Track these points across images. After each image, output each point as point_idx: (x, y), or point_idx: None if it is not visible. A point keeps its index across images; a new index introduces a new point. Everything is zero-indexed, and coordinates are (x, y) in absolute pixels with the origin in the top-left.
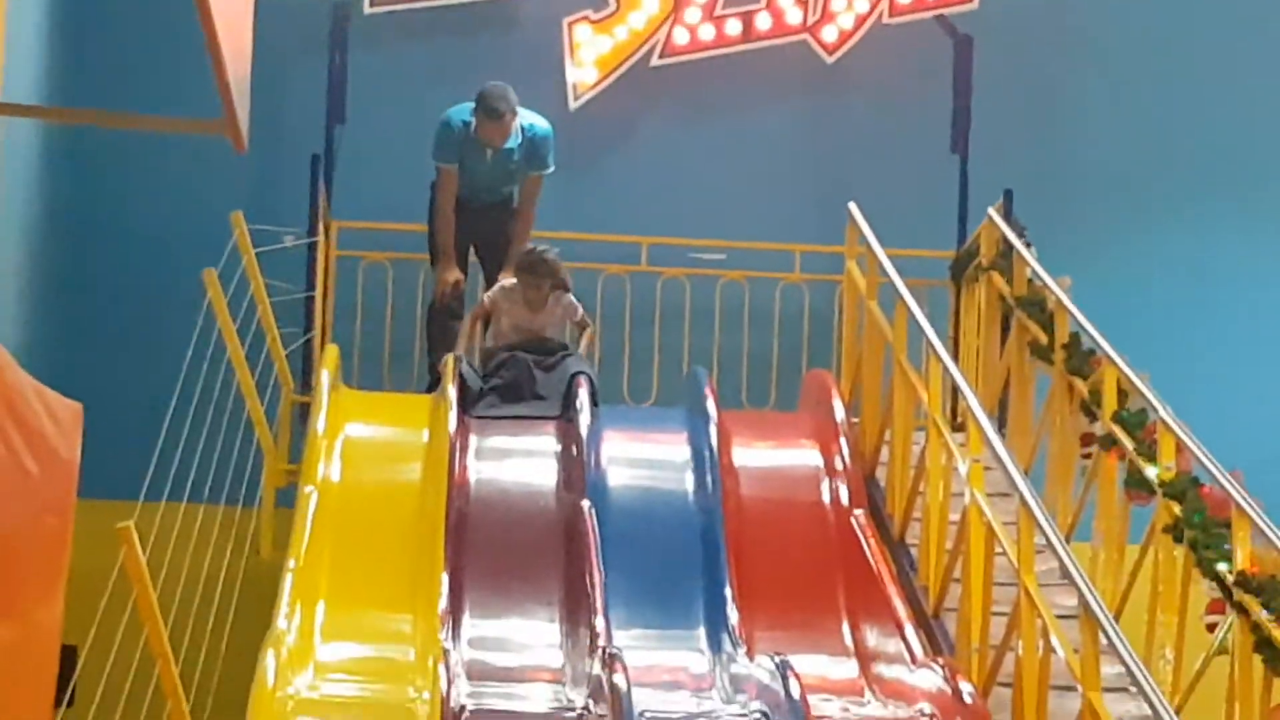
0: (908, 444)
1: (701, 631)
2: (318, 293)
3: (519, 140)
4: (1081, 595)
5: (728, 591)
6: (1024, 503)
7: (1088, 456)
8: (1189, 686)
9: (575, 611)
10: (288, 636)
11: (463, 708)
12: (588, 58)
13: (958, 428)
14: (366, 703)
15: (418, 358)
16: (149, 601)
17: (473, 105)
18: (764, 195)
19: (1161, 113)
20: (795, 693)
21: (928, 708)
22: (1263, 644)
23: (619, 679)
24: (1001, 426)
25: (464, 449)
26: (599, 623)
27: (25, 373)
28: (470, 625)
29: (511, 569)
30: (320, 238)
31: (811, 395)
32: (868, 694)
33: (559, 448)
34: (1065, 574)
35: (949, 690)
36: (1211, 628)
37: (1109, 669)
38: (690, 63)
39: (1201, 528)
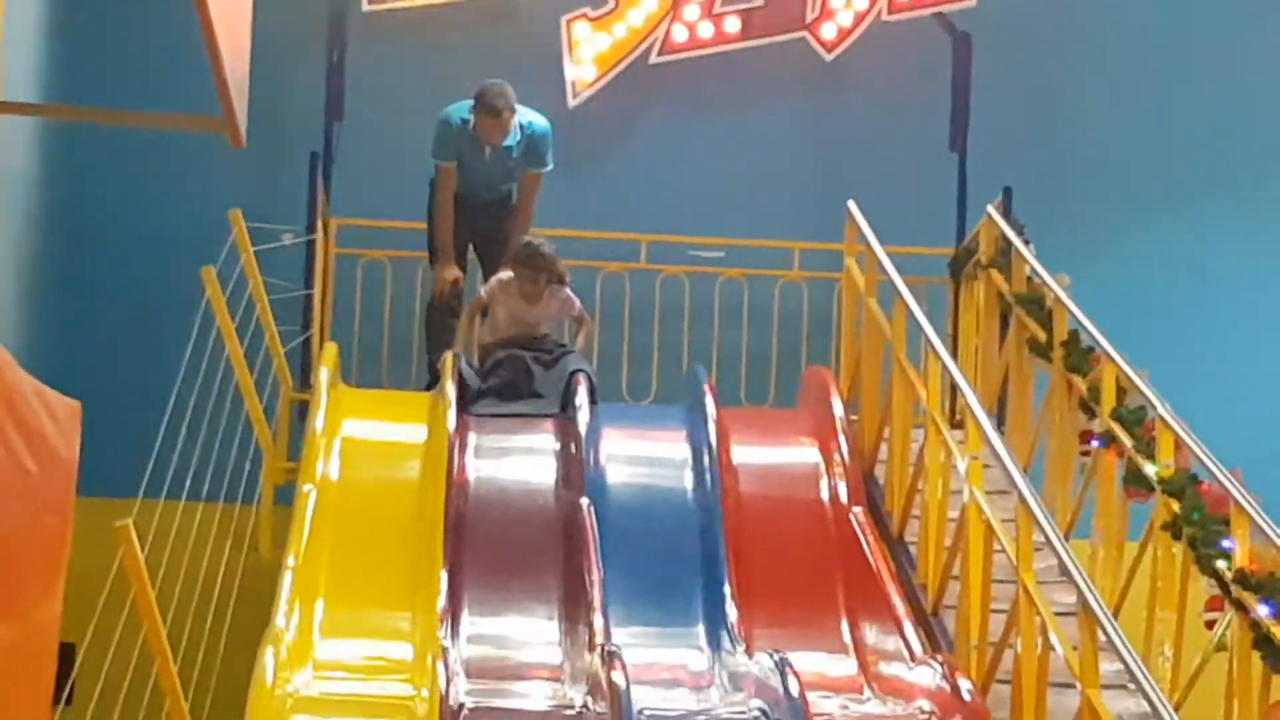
0: (906, 441)
1: (700, 629)
2: (316, 290)
3: (518, 138)
4: (1080, 592)
5: (726, 589)
6: (1023, 500)
7: (1086, 454)
8: (1188, 683)
9: (574, 609)
10: (286, 634)
11: (461, 705)
12: (586, 55)
13: (956, 425)
14: (365, 700)
15: (416, 355)
16: (147, 599)
17: (471, 103)
18: (763, 193)
19: (1161, 110)
20: (794, 690)
21: (927, 705)
22: (1261, 641)
23: (618, 676)
24: (1000, 424)
25: (463, 447)
26: (598, 620)
27: (24, 371)
28: (469, 623)
29: (510, 567)
30: (319, 235)
31: (810, 393)
32: (867, 691)
33: (558, 445)
34: (1064, 571)
35: (948, 687)
36: (1210, 625)
37: (1108, 666)
38: (689, 60)
39: (1200, 525)
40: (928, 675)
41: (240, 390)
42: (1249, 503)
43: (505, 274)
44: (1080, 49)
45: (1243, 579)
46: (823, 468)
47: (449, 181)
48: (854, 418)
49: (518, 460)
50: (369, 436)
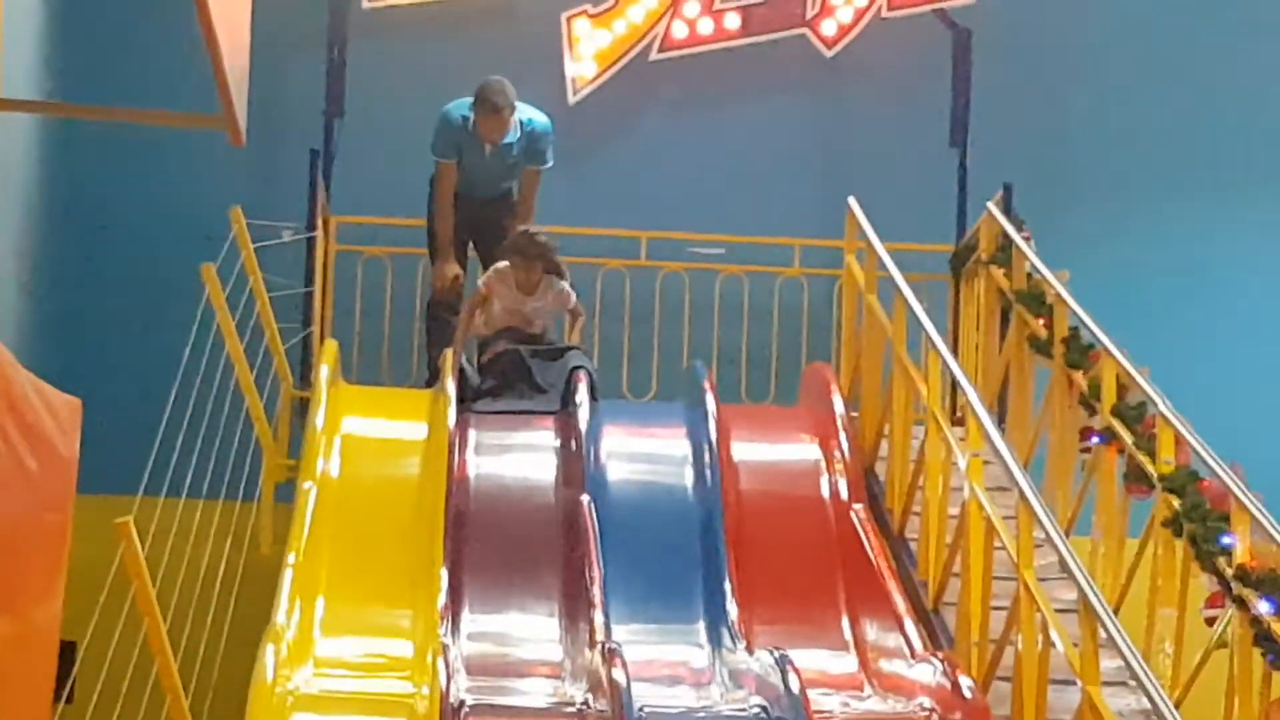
0: (907, 438)
1: (701, 626)
2: (316, 288)
3: (518, 135)
4: (1081, 589)
5: (727, 586)
6: (1023, 497)
7: (1087, 450)
8: (1188, 680)
9: (574, 606)
10: (287, 631)
11: (462, 702)
12: (586, 52)
13: (957, 422)
14: (366, 698)
15: (417, 353)
16: (148, 597)
17: (472, 100)
18: (763, 189)
19: (1160, 107)
20: (795, 687)
21: (927, 702)
22: (1262, 637)
23: (618, 674)
24: (1001, 420)
25: (463, 444)
26: (598, 617)
27: (24, 369)
28: (469, 620)
29: (511, 564)
30: (319, 233)
31: (811, 390)
32: (867, 688)
33: (558, 443)
34: (1064, 568)
35: (948, 684)
36: (1211, 621)
37: (1108, 663)
38: (689, 57)
39: (1201, 521)
40: (928, 672)
41: (240, 388)
42: (1249, 499)
43: (502, 264)
44: (1080, 46)
45: (1243, 575)
46: (823, 464)
47: (449, 179)
48: (854, 414)
49: (518, 457)
50: (369, 434)
